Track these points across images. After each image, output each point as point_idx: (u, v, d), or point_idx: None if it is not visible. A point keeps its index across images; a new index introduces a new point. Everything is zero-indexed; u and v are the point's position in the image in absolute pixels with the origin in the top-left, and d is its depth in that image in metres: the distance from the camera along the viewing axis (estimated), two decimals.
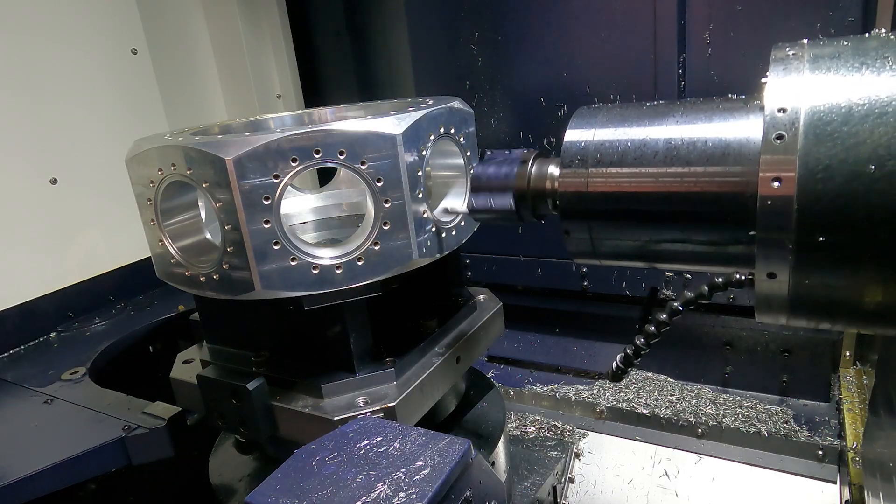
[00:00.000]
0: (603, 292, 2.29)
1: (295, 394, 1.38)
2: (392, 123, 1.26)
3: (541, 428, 2.25)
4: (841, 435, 1.91)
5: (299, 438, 1.27)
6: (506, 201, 1.07)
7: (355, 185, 1.86)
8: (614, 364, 1.04)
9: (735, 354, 2.17)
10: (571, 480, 2.10)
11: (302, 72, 3.16)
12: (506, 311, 2.57)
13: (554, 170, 0.98)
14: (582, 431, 2.21)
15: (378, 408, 1.32)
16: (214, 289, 1.32)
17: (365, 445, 1.08)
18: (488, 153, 1.20)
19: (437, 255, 1.39)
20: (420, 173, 1.31)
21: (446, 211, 1.49)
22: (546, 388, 2.35)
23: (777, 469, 1.93)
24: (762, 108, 0.69)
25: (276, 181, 1.19)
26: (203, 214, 1.45)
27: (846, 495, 1.79)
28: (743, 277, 0.79)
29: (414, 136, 1.29)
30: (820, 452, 1.89)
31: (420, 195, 1.31)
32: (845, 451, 1.84)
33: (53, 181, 2.15)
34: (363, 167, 1.24)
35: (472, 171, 1.24)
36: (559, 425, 2.24)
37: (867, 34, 0.70)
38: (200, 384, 1.41)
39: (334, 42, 3.25)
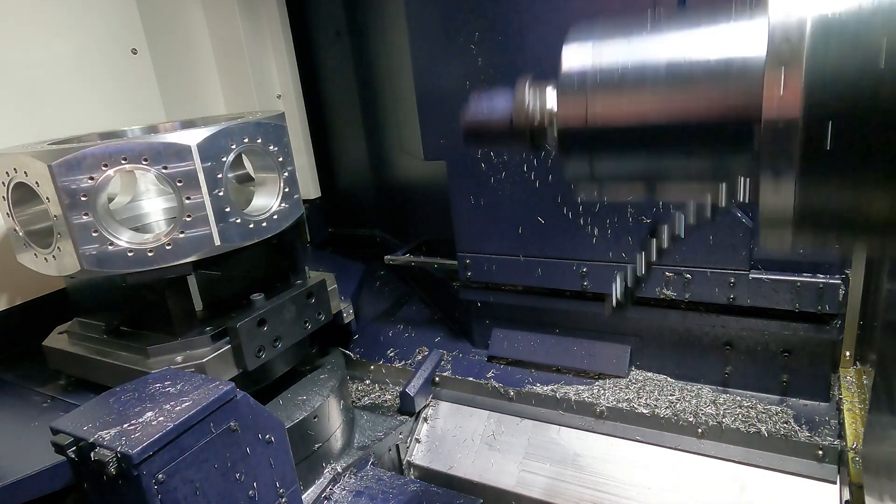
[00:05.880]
0: (603, 292, 2.29)
1: (129, 355, 1.74)
2: (188, 136, 1.57)
3: (395, 397, 2.57)
4: (841, 435, 1.91)
5: None
6: (502, 129, 1.03)
7: None
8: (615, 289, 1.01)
9: (735, 354, 2.17)
10: (418, 440, 2.46)
11: (302, 72, 3.16)
12: (506, 311, 2.58)
13: (551, 94, 0.93)
14: (434, 401, 2.55)
15: (191, 364, 1.66)
16: (53, 269, 1.64)
17: (157, 388, 1.40)
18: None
19: (245, 243, 1.73)
20: (220, 176, 1.62)
21: (258, 206, 1.83)
22: (546, 387, 2.35)
23: (777, 469, 1.93)
24: (767, 13, 0.66)
25: (91, 182, 1.50)
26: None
27: (846, 495, 1.79)
28: (747, 190, 0.75)
29: (212, 146, 1.60)
30: (820, 452, 1.89)
31: (221, 193, 1.63)
32: (845, 451, 1.84)
33: None
34: (165, 171, 1.55)
35: (469, 107, 1.19)
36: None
37: None
38: (50, 353, 1.89)
39: (334, 42, 3.26)
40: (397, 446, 2.38)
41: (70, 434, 1.27)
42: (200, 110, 2.82)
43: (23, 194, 1.65)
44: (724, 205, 0.81)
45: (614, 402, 2.20)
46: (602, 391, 2.27)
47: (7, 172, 1.62)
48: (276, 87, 3.03)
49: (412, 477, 2.38)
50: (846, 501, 1.79)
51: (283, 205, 1.86)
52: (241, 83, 2.87)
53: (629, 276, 1.02)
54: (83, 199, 1.50)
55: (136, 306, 1.79)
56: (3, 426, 1.67)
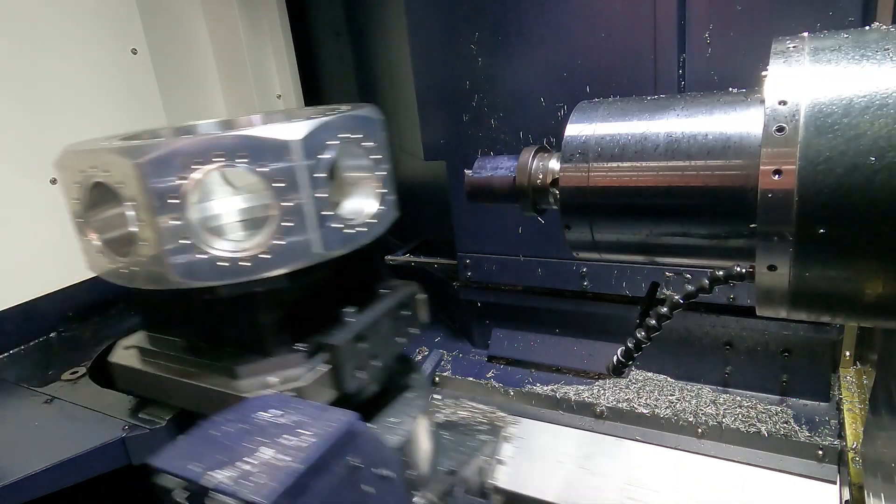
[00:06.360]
0: (603, 292, 2.29)
1: (214, 375, 1.51)
2: (289, 130, 1.36)
3: (473, 413, 2.38)
4: (841, 435, 1.91)
5: None
6: (505, 195, 1.08)
7: None
8: (615, 358, 1.03)
9: (735, 354, 2.17)
10: (501, 462, 2.24)
11: (302, 72, 3.16)
12: (506, 311, 2.58)
13: (555, 164, 0.98)
14: (514, 418, 2.37)
15: (288, 387, 1.44)
16: (134, 280, 1.44)
17: (263, 417, 1.21)
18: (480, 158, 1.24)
19: (343, 251, 1.51)
20: (320, 175, 1.41)
21: (354, 209, 1.62)
22: (546, 387, 2.35)
23: (777, 469, 1.93)
24: (762, 101, 0.69)
25: (181, 182, 1.31)
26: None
27: (846, 495, 1.79)
28: (744, 270, 0.78)
29: (312, 142, 1.39)
30: (820, 452, 1.89)
31: (320, 195, 1.41)
32: (845, 451, 1.84)
33: (53, 181, 2.15)
34: (264, 170, 1.34)
35: (470, 171, 1.27)
36: (492, 412, 2.39)
37: (867, 27, 0.70)
38: (119, 370, 1.66)
39: (334, 42, 3.26)
40: (481, 469, 2.18)
41: (179, 476, 1.05)
42: (201, 110, 2.82)
43: (98, 196, 1.47)
44: (722, 282, 0.83)
45: (614, 402, 2.20)
46: (602, 391, 2.27)
47: (82, 171, 1.42)
48: (276, 87, 3.02)
49: (499, 502, 2.21)
50: (846, 501, 1.78)
51: (380, 207, 1.65)
52: (241, 83, 2.87)
53: (632, 343, 1.03)
54: (172, 200, 1.31)
55: (221, 320, 1.57)
56: (3, 426, 1.67)
